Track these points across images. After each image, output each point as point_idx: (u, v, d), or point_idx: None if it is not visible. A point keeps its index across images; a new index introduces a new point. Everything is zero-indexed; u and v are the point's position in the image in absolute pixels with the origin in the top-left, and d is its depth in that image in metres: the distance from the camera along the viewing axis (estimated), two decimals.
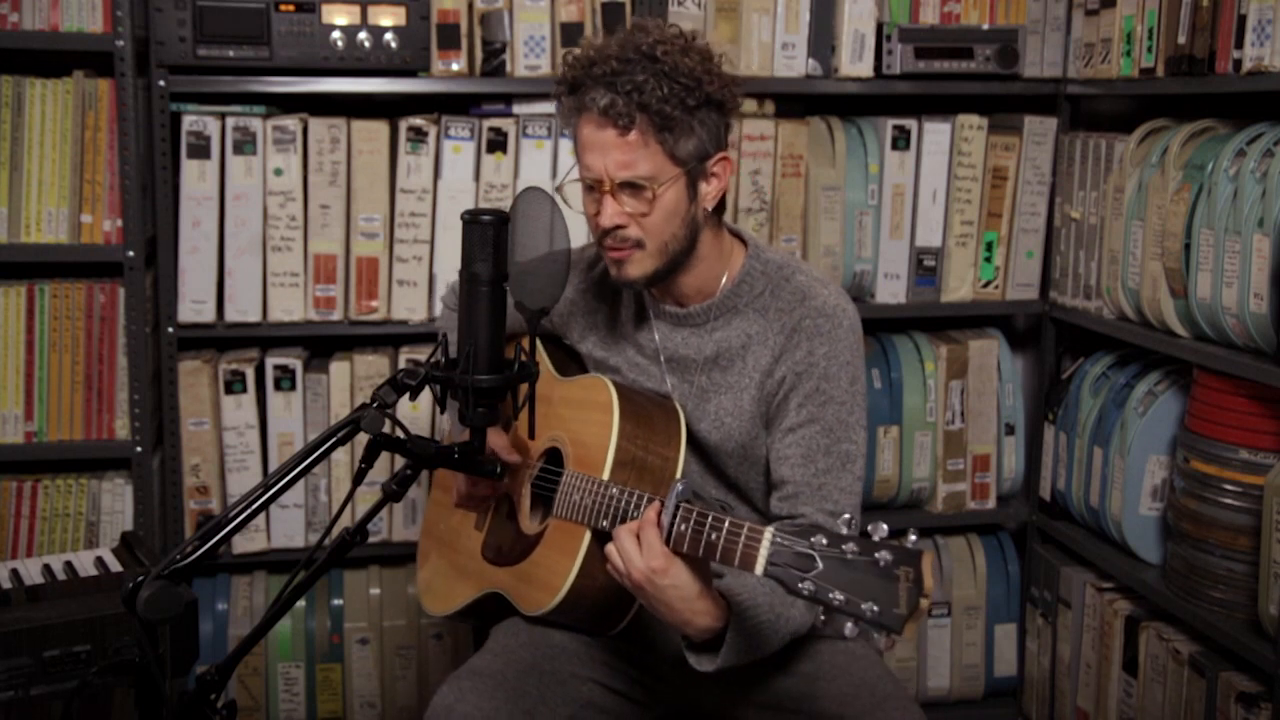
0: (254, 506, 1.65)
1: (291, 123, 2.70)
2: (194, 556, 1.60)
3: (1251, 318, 2.31)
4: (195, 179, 2.68)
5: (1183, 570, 2.51)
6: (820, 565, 1.48)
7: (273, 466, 2.79)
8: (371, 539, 2.83)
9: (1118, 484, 2.70)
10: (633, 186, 1.83)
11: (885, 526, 1.47)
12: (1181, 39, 2.49)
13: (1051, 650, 3.01)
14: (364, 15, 2.65)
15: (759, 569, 1.54)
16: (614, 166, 1.82)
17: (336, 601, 2.91)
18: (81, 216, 2.62)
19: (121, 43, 2.55)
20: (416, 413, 2.80)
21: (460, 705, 1.81)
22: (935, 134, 2.92)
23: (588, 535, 1.84)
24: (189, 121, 2.66)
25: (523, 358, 1.80)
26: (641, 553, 1.67)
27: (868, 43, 2.85)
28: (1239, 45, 2.34)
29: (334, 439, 1.69)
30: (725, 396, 1.96)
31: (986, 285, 3.00)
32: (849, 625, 1.46)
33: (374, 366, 2.80)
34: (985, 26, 2.87)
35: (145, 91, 2.65)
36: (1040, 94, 2.97)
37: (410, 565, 2.93)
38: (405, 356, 2.83)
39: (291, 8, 2.62)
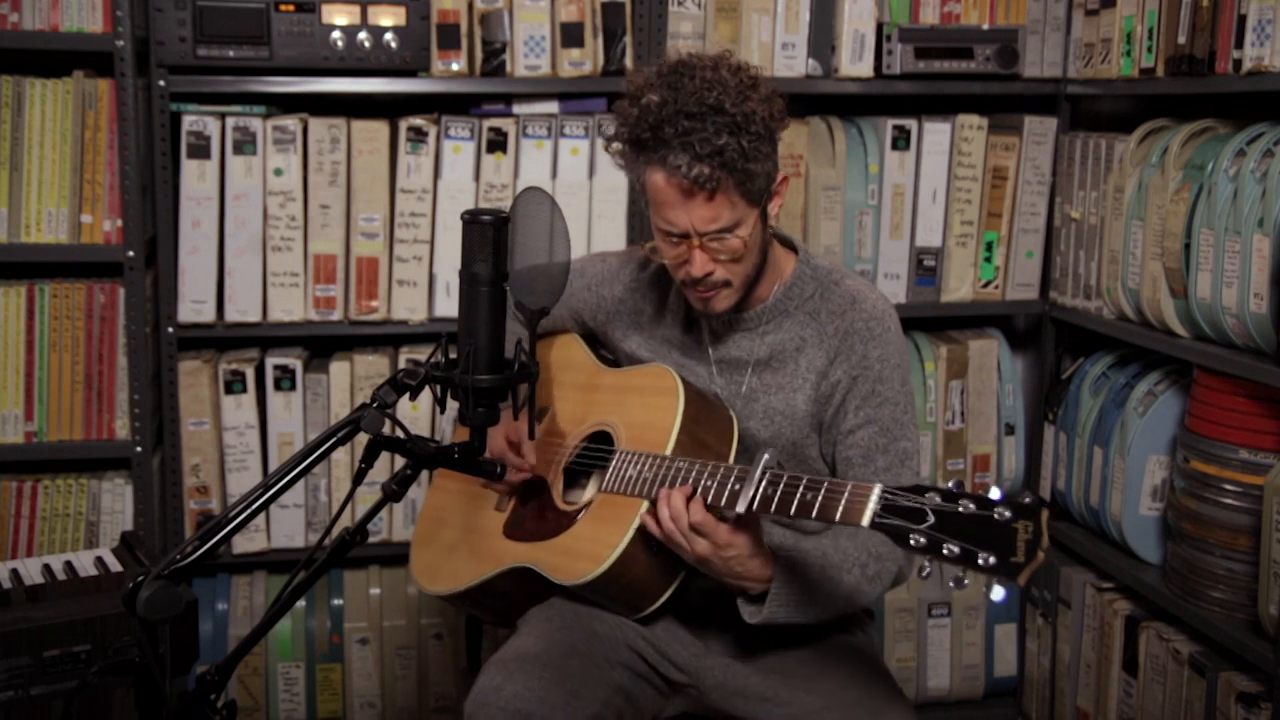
0: (254, 506, 1.65)
1: (291, 123, 2.70)
2: (194, 556, 1.60)
3: (1251, 318, 2.31)
4: (195, 179, 2.68)
5: (1183, 570, 2.51)
6: (932, 518, 1.52)
7: (273, 466, 2.79)
8: (371, 539, 2.83)
9: (1118, 484, 2.70)
10: (718, 236, 1.88)
11: (998, 489, 1.50)
12: (1181, 39, 2.49)
13: (1051, 650, 3.01)
14: (364, 15, 2.65)
15: (865, 520, 1.58)
16: (700, 222, 1.86)
17: (336, 601, 2.91)
18: (81, 216, 2.62)
19: (121, 43, 2.55)
20: (416, 413, 2.80)
21: (509, 685, 1.82)
22: (935, 134, 2.92)
23: (644, 505, 1.88)
24: (189, 121, 2.66)
25: (523, 358, 1.80)
26: (688, 513, 1.76)
27: (868, 43, 2.85)
28: (1239, 45, 2.34)
29: (334, 439, 1.69)
30: (775, 396, 2.01)
31: (986, 285, 3.00)
32: (957, 574, 1.50)
33: (374, 366, 2.80)
34: (985, 26, 2.87)
35: (145, 91, 2.65)
36: (1040, 94, 2.97)
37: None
38: (405, 356, 2.83)
39: (291, 8, 2.62)
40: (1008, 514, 1.47)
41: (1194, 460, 2.46)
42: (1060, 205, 2.95)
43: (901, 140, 2.91)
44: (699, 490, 1.80)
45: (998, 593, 1.48)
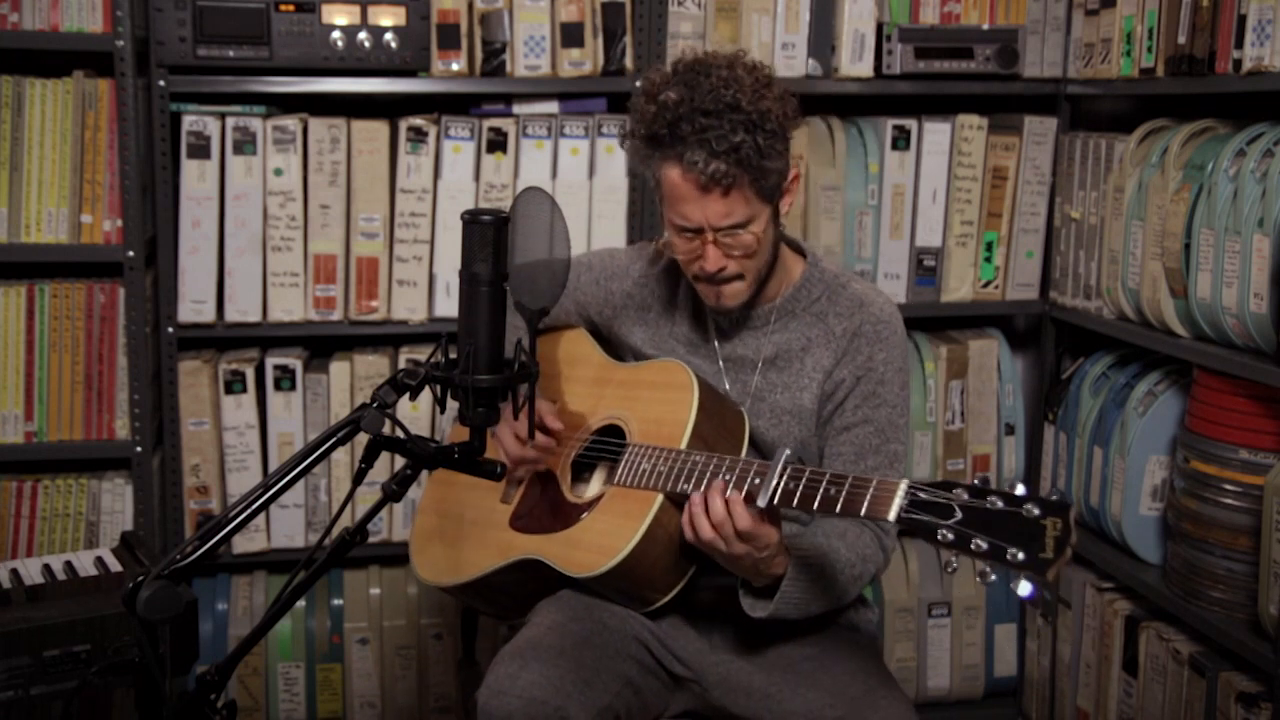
0: (254, 506, 1.65)
1: (291, 123, 2.70)
2: (194, 556, 1.60)
3: (1251, 318, 2.31)
4: (195, 179, 2.68)
5: (1183, 570, 2.51)
6: (959, 514, 1.53)
7: (273, 466, 2.79)
8: (371, 539, 2.83)
9: (1118, 484, 2.70)
10: (732, 232, 1.91)
11: (1023, 486, 1.51)
12: (1181, 39, 2.49)
13: (1051, 650, 3.01)
14: (364, 15, 2.65)
15: (892, 514, 1.60)
16: (714, 217, 1.90)
17: (336, 601, 2.91)
18: (81, 216, 2.62)
19: (121, 43, 2.55)
20: (416, 413, 2.80)
21: (525, 674, 1.83)
22: (935, 134, 2.92)
23: (659, 498, 1.88)
24: (189, 121, 2.66)
25: (522, 357, 1.80)
26: (732, 518, 1.75)
27: (868, 43, 2.85)
28: (1239, 45, 2.34)
29: (334, 439, 1.69)
30: (782, 395, 2.04)
31: (986, 285, 3.00)
32: (985, 570, 1.51)
33: (374, 366, 2.80)
34: (985, 26, 2.87)
35: (145, 91, 2.65)
36: (1040, 94, 2.97)
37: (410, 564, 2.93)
38: (405, 356, 2.83)
39: (291, 8, 2.62)
40: (1036, 511, 1.48)
41: (1194, 460, 2.46)
42: (1060, 205, 2.95)
43: (901, 140, 2.91)
44: (720, 484, 1.80)
45: (1024, 588, 1.49)
